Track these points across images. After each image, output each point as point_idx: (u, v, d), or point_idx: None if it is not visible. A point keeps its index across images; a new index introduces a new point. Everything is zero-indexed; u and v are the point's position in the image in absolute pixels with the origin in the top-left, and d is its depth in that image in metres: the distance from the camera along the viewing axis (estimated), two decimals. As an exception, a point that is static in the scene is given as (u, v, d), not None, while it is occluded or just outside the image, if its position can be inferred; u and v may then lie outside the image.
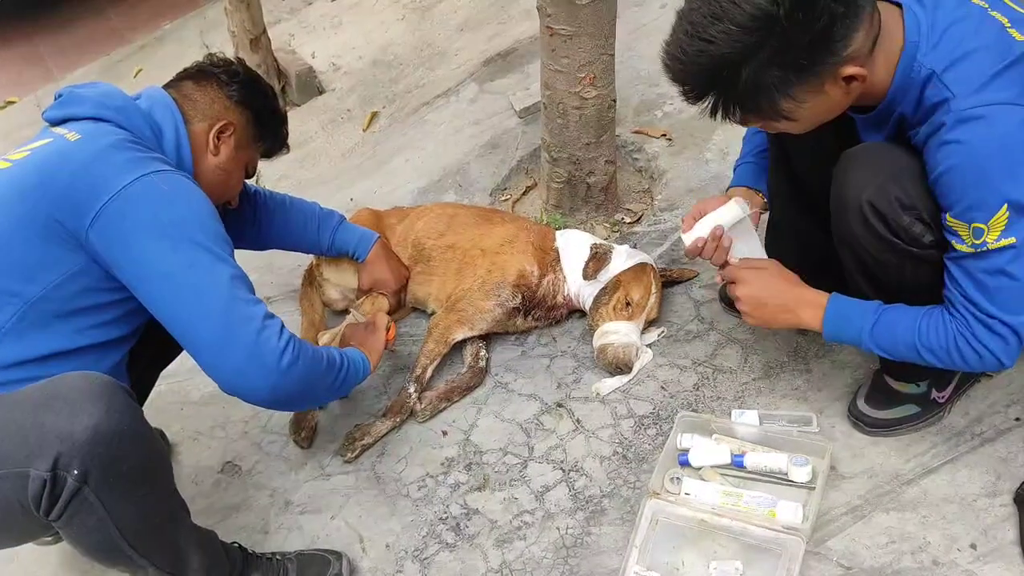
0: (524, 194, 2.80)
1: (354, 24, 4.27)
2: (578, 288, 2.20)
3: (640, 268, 2.14)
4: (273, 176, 3.39)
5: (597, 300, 2.14)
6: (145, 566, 1.44)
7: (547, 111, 2.42)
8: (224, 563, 1.59)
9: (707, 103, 1.41)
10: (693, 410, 1.93)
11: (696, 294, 2.25)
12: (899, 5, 1.40)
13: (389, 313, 2.28)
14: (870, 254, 1.51)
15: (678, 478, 1.74)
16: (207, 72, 1.80)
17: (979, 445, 1.71)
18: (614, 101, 2.41)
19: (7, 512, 1.32)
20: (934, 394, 1.73)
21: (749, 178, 1.88)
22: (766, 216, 1.92)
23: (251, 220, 2.10)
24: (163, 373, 2.00)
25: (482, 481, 1.91)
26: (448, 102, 3.41)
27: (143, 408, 1.55)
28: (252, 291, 1.55)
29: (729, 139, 2.68)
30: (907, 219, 1.44)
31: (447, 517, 1.85)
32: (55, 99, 1.67)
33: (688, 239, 1.71)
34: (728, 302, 2.15)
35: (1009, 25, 1.36)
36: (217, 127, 1.74)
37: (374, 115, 3.57)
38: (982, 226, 1.33)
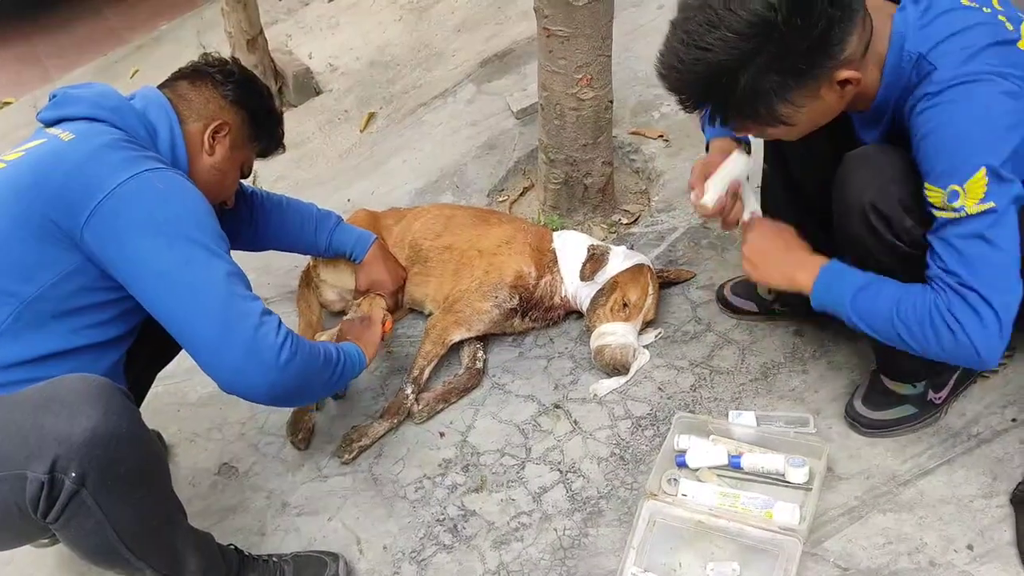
0: (521, 195, 2.80)
1: (351, 25, 4.27)
2: (575, 289, 2.20)
3: (637, 269, 2.14)
4: (270, 177, 3.39)
5: (594, 301, 2.14)
6: (142, 568, 1.43)
7: (544, 112, 2.42)
8: (221, 565, 1.58)
9: (704, 111, 1.41)
10: (690, 411, 1.93)
11: (693, 295, 2.26)
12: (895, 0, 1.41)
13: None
14: (873, 256, 1.51)
15: (675, 479, 1.74)
16: (202, 72, 1.80)
17: (976, 446, 1.71)
18: (611, 102, 2.41)
19: (4, 514, 1.31)
20: (931, 395, 1.73)
21: (724, 132, 1.79)
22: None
23: (248, 221, 2.10)
24: (160, 375, 2.00)
25: (479, 482, 1.91)
26: (445, 103, 3.41)
27: (140, 409, 1.55)
28: (249, 288, 1.54)
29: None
30: (910, 221, 1.44)
31: (444, 518, 1.84)
32: (49, 100, 1.67)
33: (711, 200, 1.64)
34: (725, 303, 2.15)
35: (1002, 18, 1.37)
36: (212, 127, 1.74)
37: (371, 116, 3.57)
38: (958, 189, 1.31)
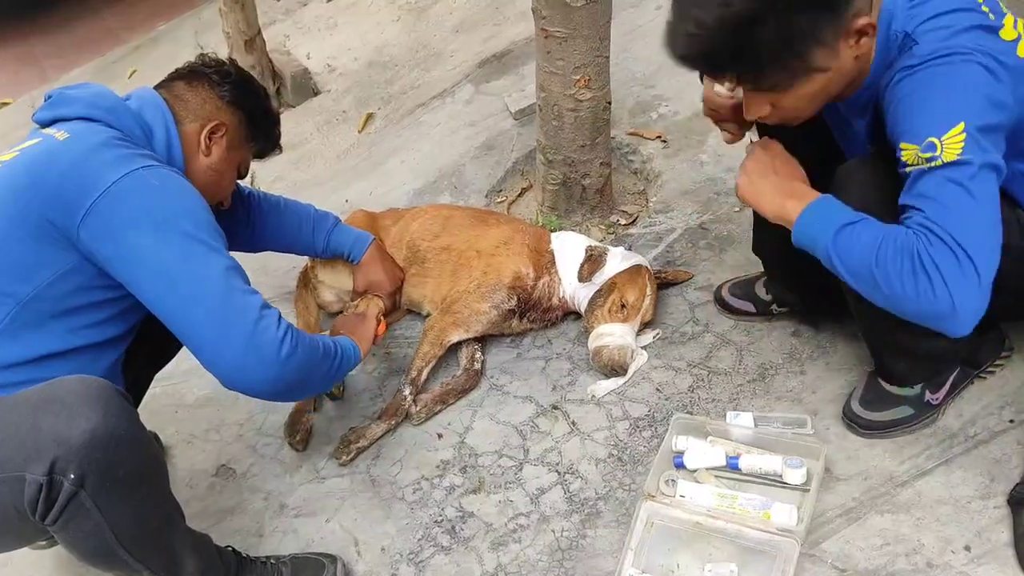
0: (519, 196, 2.80)
1: (349, 25, 4.26)
2: (573, 290, 2.20)
3: (635, 270, 2.14)
4: (268, 177, 3.39)
5: (592, 302, 2.14)
6: (140, 570, 1.43)
7: (542, 113, 2.42)
8: (219, 567, 1.58)
9: (731, 75, 1.37)
10: (688, 412, 1.93)
11: (691, 296, 2.26)
12: None
13: (384, 315, 2.28)
14: None
15: (673, 480, 1.74)
16: (198, 72, 1.79)
17: (973, 447, 1.71)
18: (609, 103, 2.41)
19: (2, 517, 1.31)
20: (928, 396, 1.74)
21: None
22: None
23: (245, 222, 2.10)
24: (158, 376, 1.99)
25: (477, 484, 1.91)
26: (443, 103, 3.41)
27: (138, 410, 1.55)
28: (248, 282, 1.54)
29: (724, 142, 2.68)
30: None
31: (442, 520, 1.84)
32: (45, 100, 1.67)
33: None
34: (723, 304, 2.15)
35: (985, 8, 1.38)
36: (209, 127, 1.74)
37: (369, 116, 3.57)
38: (934, 141, 1.29)
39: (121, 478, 1.31)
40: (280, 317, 1.53)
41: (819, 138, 1.69)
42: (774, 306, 2.08)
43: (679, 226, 2.50)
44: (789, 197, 1.50)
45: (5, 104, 4.78)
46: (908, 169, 1.34)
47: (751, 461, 1.73)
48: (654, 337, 2.16)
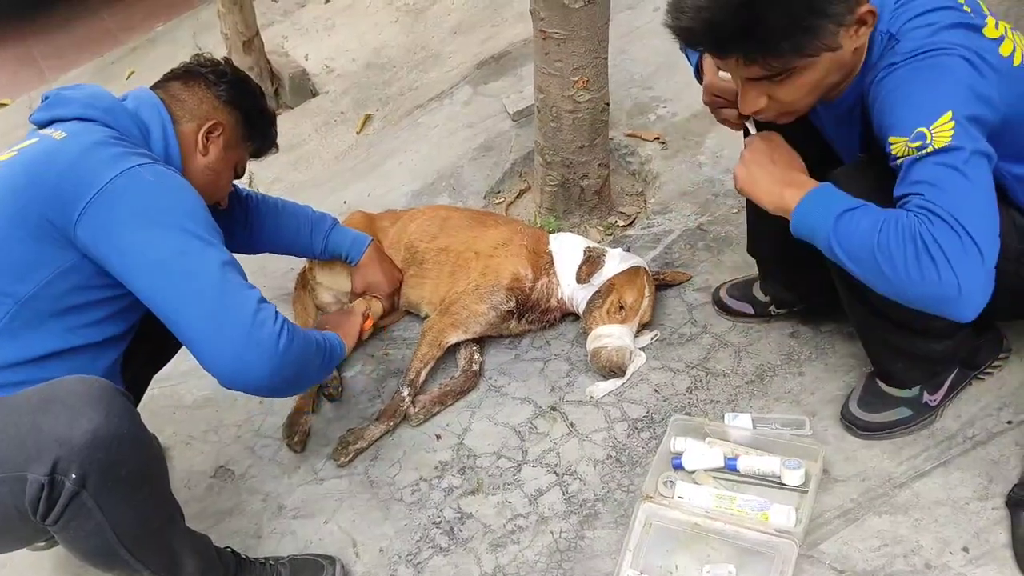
0: (518, 197, 2.80)
1: (347, 26, 4.27)
2: (572, 291, 2.20)
3: (633, 271, 2.14)
4: (266, 179, 3.39)
5: (591, 303, 2.14)
6: (140, 570, 1.43)
7: (540, 114, 2.42)
8: (218, 567, 1.58)
9: (738, 53, 1.36)
10: (686, 413, 1.93)
11: (689, 297, 2.26)
12: None
13: (382, 316, 2.28)
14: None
15: (671, 481, 1.74)
16: (195, 72, 1.80)
17: (971, 448, 1.71)
18: (607, 104, 2.41)
19: (3, 517, 1.32)
20: (926, 397, 1.74)
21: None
22: None
23: (243, 223, 2.10)
24: (156, 377, 1.99)
25: (476, 485, 1.91)
26: (442, 105, 3.41)
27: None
28: (244, 277, 1.53)
29: (723, 143, 2.69)
30: None
31: (441, 521, 1.84)
32: (42, 101, 1.67)
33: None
34: (721, 305, 2.16)
35: (967, 8, 1.39)
36: (206, 127, 1.74)
37: (367, 118, 3.57)
38: (924, 131, 1.28)
39: (123, 478, 1.32)
40: (277, 311, 1.53)
41: (816, 139, 1.69)
42: (772, 307, 2.09)
43: (677, 227, 2.50)
44: (788, 186, 1.48)
45: (3, 105, 4.78)
46: (899, 161, 1.33)
47: (749, 462, 1.73)
48: (652, 338, 2.16)
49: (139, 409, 1.83)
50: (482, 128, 3.15)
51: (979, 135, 1.30)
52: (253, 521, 1.95)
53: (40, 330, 1.48)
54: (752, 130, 1.62)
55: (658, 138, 2.83)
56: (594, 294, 2.14)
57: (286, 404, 2.17)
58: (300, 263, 2.50)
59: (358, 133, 3.51)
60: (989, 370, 1.80)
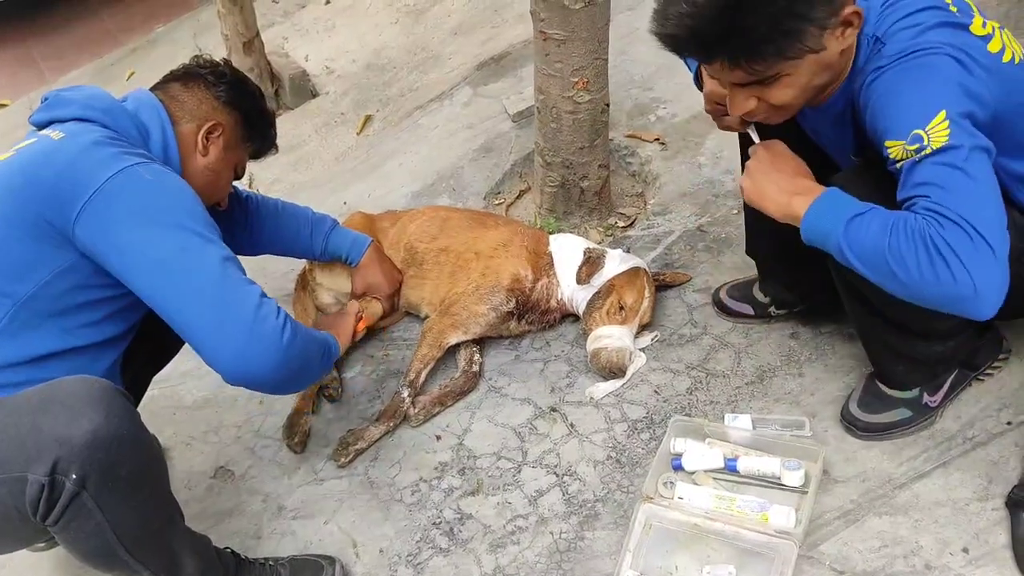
0: (518, 198, 2.80)
1: (347, 27, 4.27)
2: (572, 292, 2.20)
3: (633, 272, 2.14)
4: (266, 180, 3.39)
5: (591, 304, 2.14)
6: (140, 571, 1.43)
7: (540, 115, 2.42)
8: (218, 568, 1.58)
9: (723, 58, 1.36)
10: (686, 414, 1.93)
11: (689, 298, 2.26)
12: None
13: (382, 317, 2.28)
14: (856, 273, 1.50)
15: (671, 482, 1.74)
16: (194, 73, 1.80)
17: (971, 449, 1.71)
18: (607, 105, 2.41)
19: (3, 517, 1.31)
20: (926, 398, 1.74)
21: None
22: None
23: (243, 225, 2.10)
24: (156, 378, 1.99)
25: (476, 486, 1.91)
26: (442, 106, 3.41)
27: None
28: (244, 272, 1.53)
29: (722, 144, 2.69)
30: None
31: (441, 522, 1.84)
32: (41, 102, 1.67)
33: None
34: (721, 306, 2.16)
35: (954, 8, 1.39)
36: (205, 128, 1.74)
37: (368, 118, 3.57)
38: (920, 132, 1.28)
39: (123, 478, 1.32)
40: (279, 306, 1.53)
41: (810, 144, 1.69)
42: (772, 308, 2.09)
43: (677, 228, 2.50)
44: (795, 194, 1.47)
45: (3, 106, 4.78)
46: (899, 165, 1.33)
47: (749, 463, 1.73)
48: (652, 339, 2.16)
49: (139, 410, 1.83)
50: (482, 129, 3.15)
51: (975, 130, 1.30)
52: (253, 522, 1.95)
53: (39, 330, 1.48)
54: (755, 138, 1.62)
55: (658, 139, 2.84)
56: (594, 295, 2.14)
57: (286, 405, 2.17)
58: (300, 264, 2.50)
59: (358, 134, 3.52)
60: (989, 371, 1.80)
